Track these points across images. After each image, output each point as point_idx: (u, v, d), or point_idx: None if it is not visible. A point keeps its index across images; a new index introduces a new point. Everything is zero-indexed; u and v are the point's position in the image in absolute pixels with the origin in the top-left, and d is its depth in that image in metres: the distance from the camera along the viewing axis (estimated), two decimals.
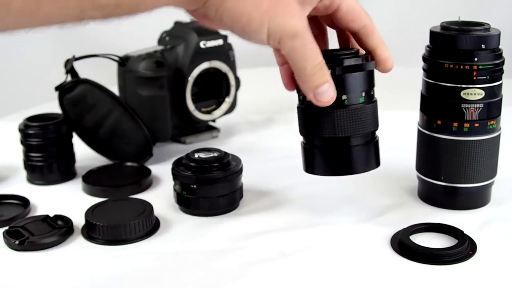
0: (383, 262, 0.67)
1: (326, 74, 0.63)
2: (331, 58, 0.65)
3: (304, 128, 0.70)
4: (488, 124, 0.74)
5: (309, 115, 0.68)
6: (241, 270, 0.66)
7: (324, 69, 0.63)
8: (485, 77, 0.73)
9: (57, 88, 0.93)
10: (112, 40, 1.70)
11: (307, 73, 0.62)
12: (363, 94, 0.67)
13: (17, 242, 0.71)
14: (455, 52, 0.73)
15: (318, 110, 0.66)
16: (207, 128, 1.09)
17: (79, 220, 0.76)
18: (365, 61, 0.67)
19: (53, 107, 0.98)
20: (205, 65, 1.01)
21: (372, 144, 0.70)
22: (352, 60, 0.66)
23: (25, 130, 0.89)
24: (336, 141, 0.68)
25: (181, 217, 0.79)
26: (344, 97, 0.66)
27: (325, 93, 0.63)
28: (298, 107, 0.70)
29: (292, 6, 0.61)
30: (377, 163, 0.71)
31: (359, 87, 0.67)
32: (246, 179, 0.83)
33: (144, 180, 0.88)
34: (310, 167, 0.71)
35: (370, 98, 0.68)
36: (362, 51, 0.69)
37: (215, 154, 0.80)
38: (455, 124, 0.74)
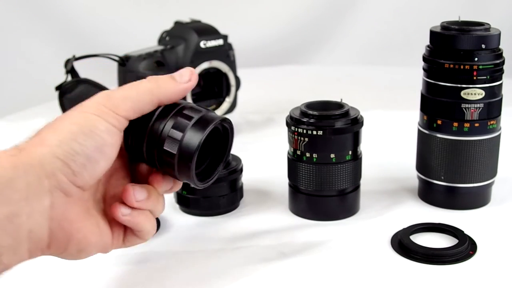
0: (383, 262, 0.67)
1: None
2: None
3: None
4: (488, 124, 0.74)
5: None
6: (241, 270, 0.66)
7: None
8: (485, 77, 0.73)
9: (57, 88, 0.93)
10: (112, 40, 1.70)
11: None
12: None
13: None
14: (455, 52, 0.73)
15: None
16: None
17: None
18: None
19: (53, 107, 0.98)
20: (205, 65, 1.01)
21: None
22: None
23: None
24: None
25: (181, 217, 0.79)
26: None
27: None
28: None
29: None
30: None
31: None
32: (246, 179, 0.83)
33: None
34: None
35: None
36: None
37: None
38: (455, 124, 0.74)
